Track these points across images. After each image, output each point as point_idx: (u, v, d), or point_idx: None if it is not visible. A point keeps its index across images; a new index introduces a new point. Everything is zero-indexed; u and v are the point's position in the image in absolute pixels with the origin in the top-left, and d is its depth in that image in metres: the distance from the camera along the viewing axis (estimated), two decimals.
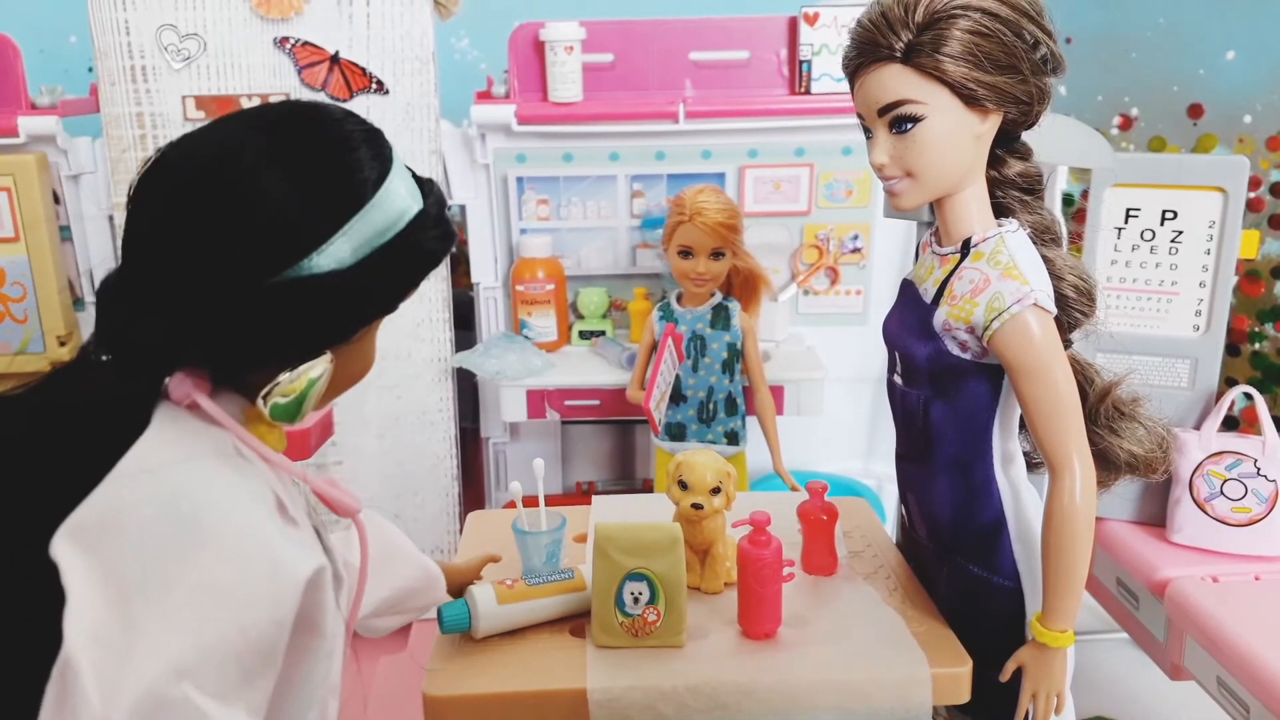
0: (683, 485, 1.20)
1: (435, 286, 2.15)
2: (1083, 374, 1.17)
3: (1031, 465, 1.21)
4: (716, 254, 1.92)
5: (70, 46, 2.78)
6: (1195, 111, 2.67)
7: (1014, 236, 1.11)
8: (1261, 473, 1.62)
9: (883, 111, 1.07)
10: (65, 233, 2.17)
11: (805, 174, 2.25)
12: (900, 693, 1.06)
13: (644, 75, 2.22)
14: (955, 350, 1.12)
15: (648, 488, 2.39)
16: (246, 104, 2.04)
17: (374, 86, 2.05)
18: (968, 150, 1.08)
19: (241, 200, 0.73)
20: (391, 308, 0.81)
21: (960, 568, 1.19)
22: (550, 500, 1.27)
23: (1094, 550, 1.10)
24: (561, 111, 2.17)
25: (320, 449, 2.15)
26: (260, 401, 0.77)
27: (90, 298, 2.21)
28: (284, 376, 0.77)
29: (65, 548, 0.69)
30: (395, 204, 0.79)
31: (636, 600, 1.09)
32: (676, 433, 2.01)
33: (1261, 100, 2.56)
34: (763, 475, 2.20)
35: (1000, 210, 1.15)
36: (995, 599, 1.16)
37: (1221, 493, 1.64)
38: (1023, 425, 1.17)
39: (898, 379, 1.21)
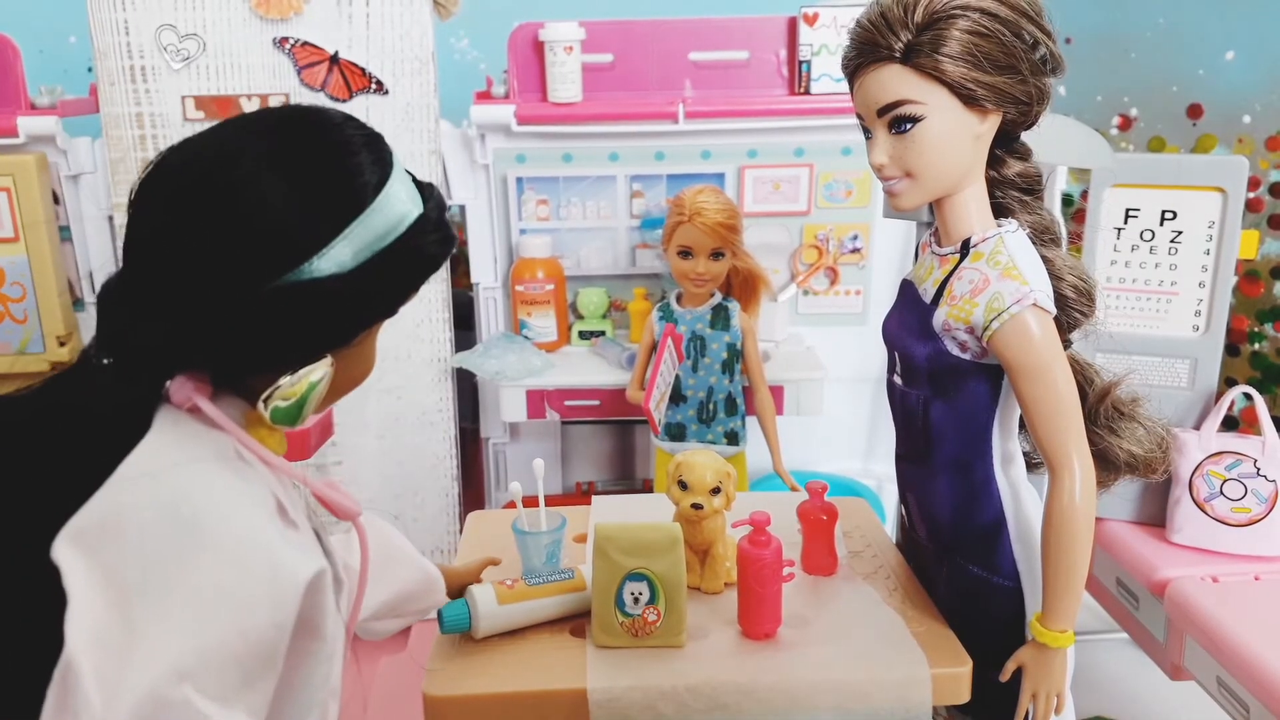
0: (683, 485, 1.20)
1: (435, 287, 2.15)
2: (1082, 374, 1.17)
3: (1031, 465, 1.21)
4: (716, 254, 1.92)
5: (70, 47, 2.78)
6: (1194, 112, 2.67)
7: (1013, 237, 1.11)
8: (1261, 473, 1.62)
9: (882, 112, 1.07)
10: (65, 233, 2.17)
11: (805, 174, 2.25)
12: (900, 693, 1.06)
13: (643, 75, 2.22)
14: (955, 350, 1.12)
15: (648, 488, 2.39)
16: (246, 104, 2.05)
17: (373, 87, 2.05)
18: (967, 150, 1.08)
19: (242, 205, 0.73)
20: (392, 311, 0.81)
21: (960, 568, 1.19)
22: (550, 500, 1.27)
23: (1094, 550, 1.10)
24: (561, 112, 2.17)
25: (320, 449, 2.15)
26: (261, 405, 0.77)
27: (90, 298, 2.21)
28: (284, 380, 0.77)
29: (66, 551, 0.69)
30: (396, 208, 0.79)
31: (636, 600, 1.09)
32: (676, 433, 2.01)
33: (1261, 100, 2.56)
34: (763, 475, 2.20)
35: (1000, 210, 1.15)
36: (995, 599, 1.16)
37: (1221, 493, 1.64)
38: (1022, 425, 1.17)
39: (897, 379, 1.21)
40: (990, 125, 1.08)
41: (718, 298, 1.98)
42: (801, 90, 2.19)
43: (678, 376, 1.97)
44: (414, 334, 2.17)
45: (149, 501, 0.71)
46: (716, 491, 1.20)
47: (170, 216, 0.74)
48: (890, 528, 2.15)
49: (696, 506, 1.19)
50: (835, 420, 2.35)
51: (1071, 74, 1.12)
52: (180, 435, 0.76)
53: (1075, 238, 1.75)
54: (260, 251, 0.73)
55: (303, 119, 0.79)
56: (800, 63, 2.17)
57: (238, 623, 0.70)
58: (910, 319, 1.18)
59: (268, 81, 2.04)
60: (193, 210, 0.74)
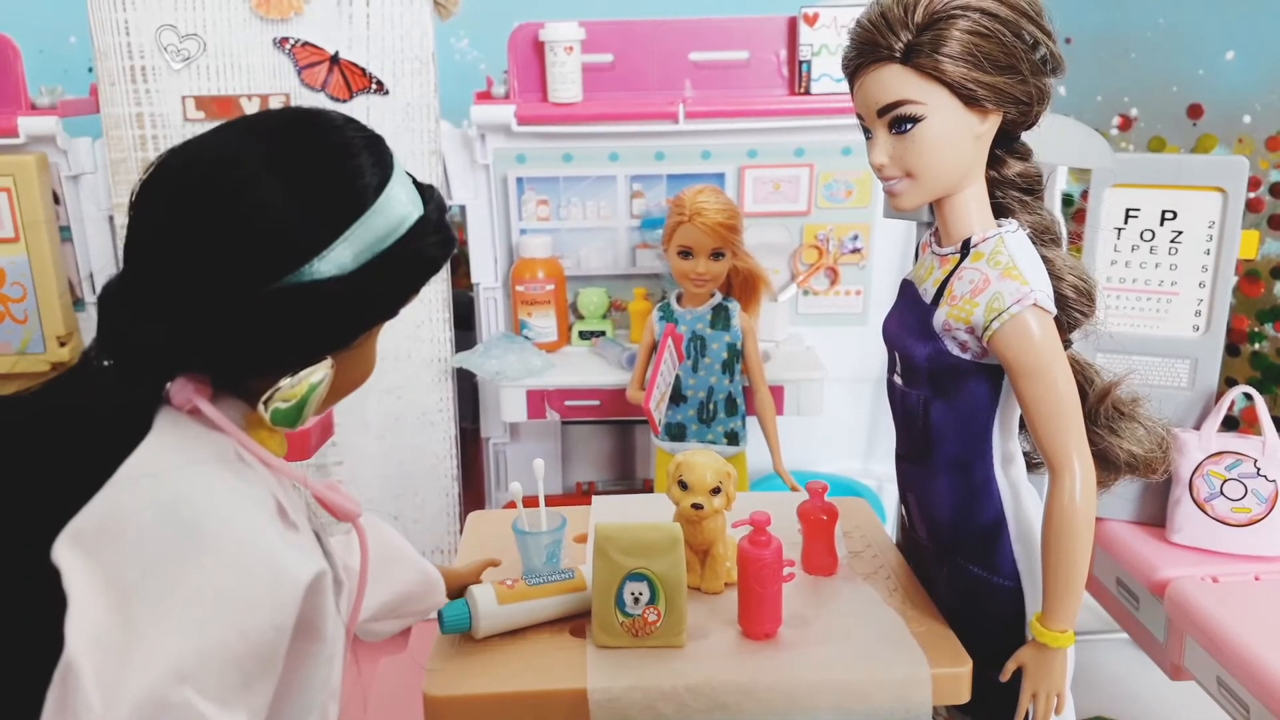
0: (683, 485, 1.20)
1: (435, 287, 2.15)
2: (1082, 374, 1.17)
3: (1031, 465, 1.21)
4: (716, 254, 1.92)
5: (70, 47, 2.78)
6: (1195, 112, 2.67)
7: (1013, 237, 1.11)
8: (1261, 473, 1.62)
9: (882, 112, 1.07)
10: (65, 233, 2.17)
11: (805, 174, 2.25)
12: (900, 693, 1.06)
13: (644, 76, 2.22)
14: (955, 350, 1.12)
15: (648, 488, 2.39)
16: (246, 104, 2.05)
17: (374, 87, 2.05)
18: (967, 150, 1.08)
19: (243, 207, 0.73)
20: (392, 313, 0.82)
21: (960, 568, 1.19)
22: (550, 500, 1.27)
23: (1094, 550, 1.10)
24: (561, 112, 2.17)
25: (320, 449, 2.15)
26: (261, 406, 0.77)
27: (91, 298, 2.21)
28: (285, 382, 0.77)
29: (66, 552, 0.69)
30: (396, 210, 0.79)
31: (637, 600, 1.09)
32: (676, 433, 2.01)
33: (1261, 100, 2.56)
34: (763, 475, 2.20)
35: (1000, 210, 1.15)
36: (995, 599, 1.16)
37: (1221, 493, 1.64)
38: (1022, 425, 1.17)
39: (898, 379, 1.21)
40: (990, 125, 1.08)
41: (718, 298, 1.98)
42: (801, 90, 2.19)
43: (678, 376, 1.97)
44: (414, 334, 2.17)
45: (149, 503, 0.71)
46: (716, 491, 1.20)
47: (171, 218, 0.74)
48: (890, 528, 2.15)
49: (697, 506, 1.19)
50: (835, 420, 2.35)
51: (1071, 74, 1.12)
52: (180, 437, 0.76)
53: (1075, 238, 1.75)
54: (261, 253, 0.74)
55: (303, 121, 0.79)
56: (800, 63, 2.17)
57: (238, 624, 0.70)
58: (910, 319, 1.18)
59: (268, 82, 2.04)
60: (193, 212, 0.74)
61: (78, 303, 2.21)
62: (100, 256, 2.19)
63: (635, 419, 2.32)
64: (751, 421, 2.04)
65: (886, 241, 2.30)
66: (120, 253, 0.78)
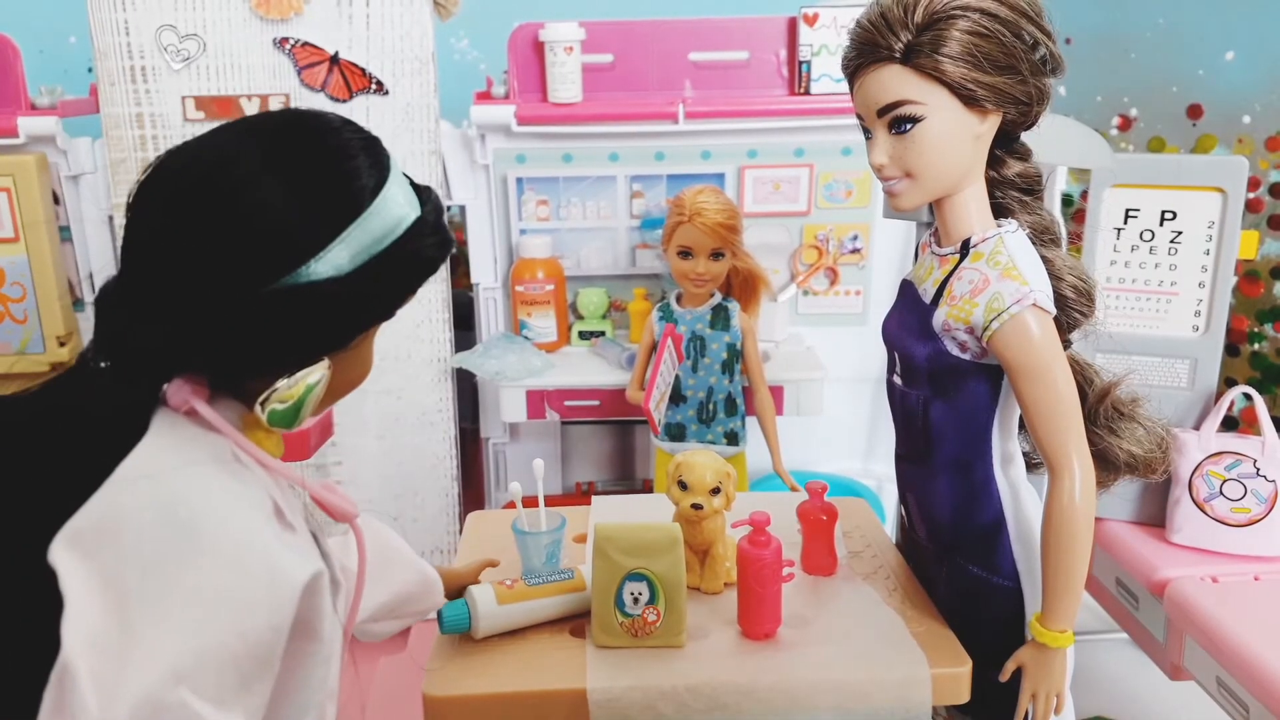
0: (682, 485, 1.20)
1: (435, 287, 2.15)
2: (1082, 374, 1.17)
3: (1031, 465, 1.21)
4: (716, 254, 1.92)
5: (70, 47, 2.78)
6: (1194, 112, 2.67)
7: (1013, 237, 1.11)
8: (1261, 473, 1.62)
9: (882, 112, 1.07)
10: (65, 233, 2.17)
11: (805, 174, 2.25)
12: (900, 693, 1.06)
13: (643, 76, 2.22)
14: (955, 350, 1.12)
15: (648, 488, 2.39)
16: (246, 104, 2.05)
17: (374, 87, 2.05)
18: (967, 151, 1.08)
19: (240, 208, 0.73)
20: (389, 314, 0.82)
21: (960, 568, 1.19)
22: (550, 500, 1.27)
23: (1094, 550, 1.11)
24: (561, 112, 2.17)
25: (320, 449, 2.15)
26: (258, 407, 0.77)
27: (90, 298, 2.21)
28: (281, 383, 0.77)
29: (63, 553, 0.69)
30: (393, 211, 0.79)
31: (636, 600, 1.09)
32: (676, 433, 2.01)
33: (1260, 100, 2.56)
34: (762, 475, 2.20)
35: (999, 211, 1.15)
36: (995, 599, 1.16)
37: (1221, 493, 1.64)
38: (1022, 425, 1.17)
39: (897, 379, 1.21)
40: (990, 125, 1.08)
41: (718, 298, 1.98)
42: (801, 90, 2.19)
43: (678, 377, 1.97)
44: (414, 334, 2.17)
45: (147, 504, 0.71)
46: (716, 492, 1.20)
47: (168, 219, 0.74)
48: (890, 528, 2.15)
49: (696, 506, 1.19)
50: (835, 420, 2.35)
51: (1071, 74, 1.12)
52: (178, 438, 0.76)
53: (1075, 238, 1.75)
54: (258, 254, 0.74)
55: (301, 122, 0.79)
56: (800, 63, 2.17)
57: (235, 625, 0.70)
58: (910, 319, 1.18)
59: (268, 82, 2.04)
60: (191, 213, 0.74)
61: (77, 303, 2.21)
62: (100, 257, 2.19)
63: (635, 419, 2.32)
64: (751, 422, 2.04)
65: (886, 242, 2.30)
66: (119, 258, 0.78)
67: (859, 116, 1.12)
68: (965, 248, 1.12)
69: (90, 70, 2.16)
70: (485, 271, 2.31)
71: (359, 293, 0.77)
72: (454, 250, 0.87)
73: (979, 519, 1.16)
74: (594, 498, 1.50)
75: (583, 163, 2.25)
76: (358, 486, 2.21)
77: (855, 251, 2.30)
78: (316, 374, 0.78)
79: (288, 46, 2.02)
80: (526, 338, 2.25)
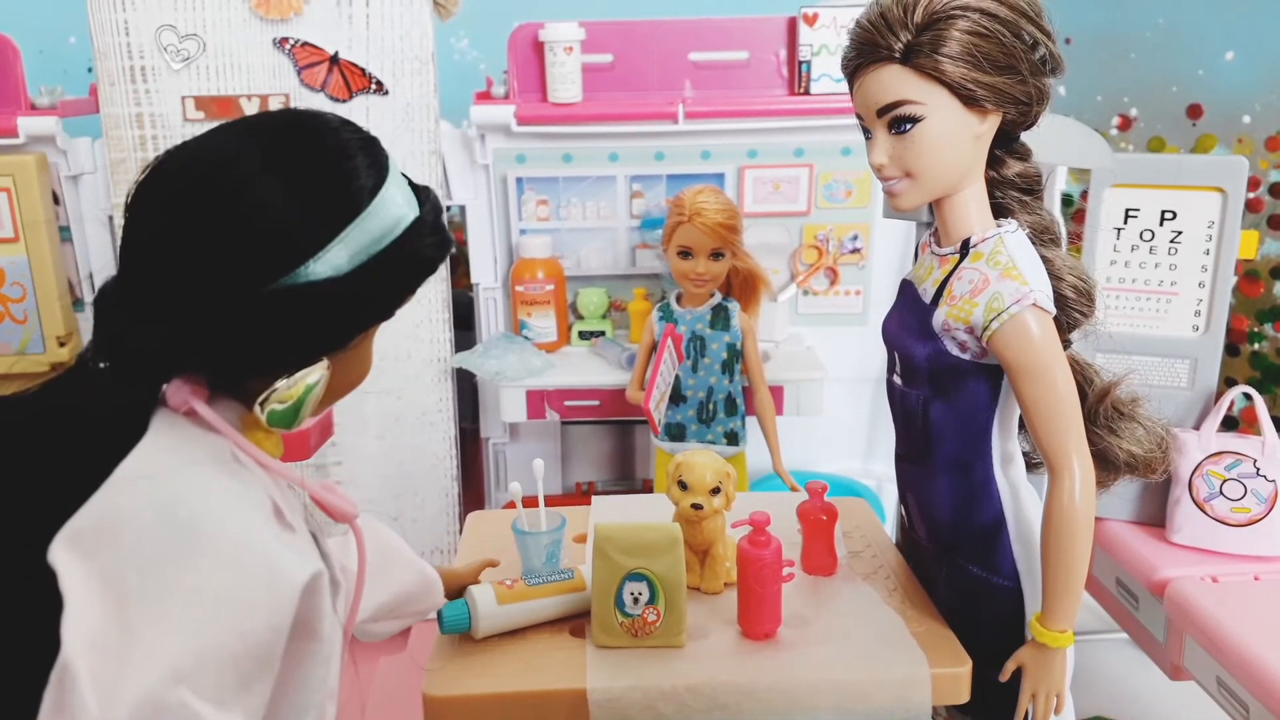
0: (682, 485, 1.20)
1: (435, 287, 2.15)
2: (1082, 374, 1.17)
3: (1031, 465, 1.21)
4: (716, 254, 1.92)
5: (70, 47, 2.78)
6: (1194, 112, 2.67)
7: (1013, 237, 1.11)
8: (1261, 473, 1.62)
9: (882, 112, 1.07)
10: (65, 233, 2.17)
11: (804, 174, 2.25)
12: (900, 693, 1.06)
13: (643, 76, 2.22)
14: (954, 350, 1.12)
15: (647, 488, 2.39)
16: (246, 104, 2.05)
17: (373, 87, 2.05)
18: (967, 151, 1.08)
19: (239, 208, 0.73)
20: (388, 314, 0.82)
21: (960, 568, 1.19)
22: (550, 500, 1.27)
23: (1094, 550, 1.11)
24: (561, 112, 2.17)
25: (320, 449, 2.15)
26: (257, 408, 0.77)
27: (90, 298, 2.21)
28: (281, 383, 0.77)
29: (63, 554, 0.69)
30: (392, 211, 0.79)
31: (636, 600, 1.09)
32: (676, 433, 2.01)
33: (1260, 100, 2.56)
34: (762, 475, 2.20)
35: (999, 211, 1.15)
36: (995, 599, 1.16)
37: (1221, 493, 1.64)
38: (1022, 425, 1.17)
39: (897, 379, 1.21)
40: (990, 125, 1.08)
41: (718, 298, 1.98)
42: (801, 90, 2.19)
43: (677, 377, 1.97)
44: (414, 334, 2.17)
45: (146, 504, 0.71)
46: (716, 491, 1.20)
47: (167, 219, 0.74)
48: (890, 528, 2.15)
49: (696, 506, 1.19)
50: (835, 420, 2.35)
51: (1071, 74, 1.12)
52: (177, 438, 0.76)
53: (1075, 238, 1.75)
54: (257, 254, 0.74)
55: (299, 123, 0.79)
56: (800, 63, 2.17)
57: (235, 625, 0.70)
58: (910, 319, 1.18)
59: (268, 82, 2.04)
60: (190, 213, 0.74)
61: (77, 303, 2.21)
62: (100, 257, 2.19)
63: (635, 419, 2.32)
64: (751, 422, 2.04)
65: (886, 242, 2.30)
66: (118, 258, 0.78)
67: (859, 116, 1.12)
68: (965, 248, 1.12)
69: (90, 70, 2.16)
70: (485, 271, 2.31)
71: (358, 293, 0.77)
72: (453, 250, 0.87)
73: (979, 519, 1.16)
74: (594, 498, 1.50)
75: (583, 163, 2.25)
76: (358, 486, 2.21)
77: (855, 251, 2.30)
78: (316, 374, 0.78)
79: (287, 46, 2.02)
80: (526, 338, 2.25)
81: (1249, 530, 1.62)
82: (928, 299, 1.15)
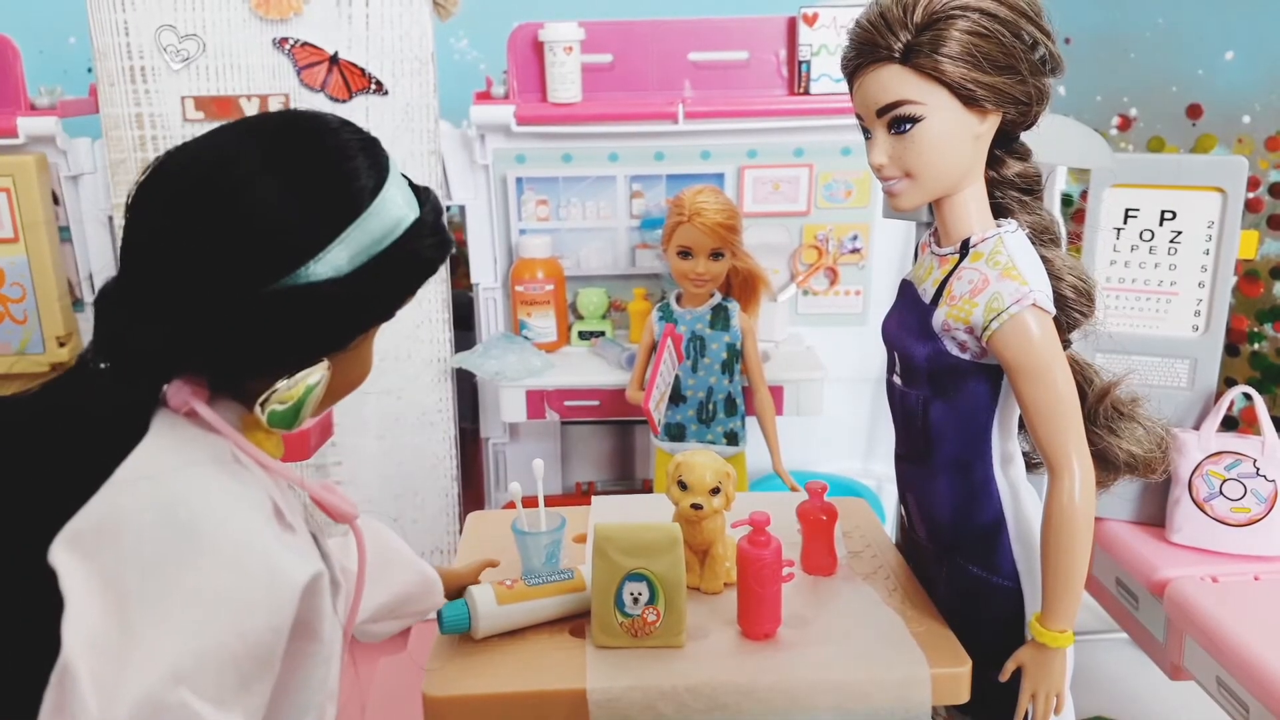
0: (682, 485, 1.20)
1: (435, 287, 2.15)
2: (1082, 374, 1.17)
3: (1031, 465, 1.21)
4: (716, 254, 1.92)
5: (69, 47, 2.78)
6: (1194, 112, 2.67)
7: (1013, 237, 1.11)
8: (1261, 473, 1.62)
9: (881, 112, 1.07)
10: (65, 234, 2.17)
11: (804, 174, 2.25)
12: (900, 693, 1.06)
13: (643, 76, 2.22)
14: (954, 350, 1.12)
15: (647, 488, 2.39)
16: (246, 104, 2.05)
17: (373, 87, 2.05)
18: (966, 151, 1.08)
19: (239, 209, 0.73)
20: (388, 315, 0.82)
21: (960, 568, 1.19)
22: (550, 501, 1.27)
23: (1093, 550, 1.11)
24: (561, 112, 2.17)
25: (320, 450, 2.15)
26: (258, 408, 0.77)
27: (90, 299, 2.21)
28: (281, 384, 0.77)
29: (63, 554, 0.69)
30: (392, 212, 0.79)
31: (636, 600, 1.09)
32: (676, 433, 2.01)
33: (1260, 100, 2.56)
34: (762, 475, 2.20)
35: (999, 211, 1.15)
36: (995, 599, 1.16)
37: (1221, 493, 1.64)
38: (1022, 425, 1.17)
39: (897, 379, 1.21)
40: (990, 125, 1.08)
41: (717, 298, 1.98)
42: (801, 90, 2.19)
43: (677, 377, 1.97)
44: (414, 334, 2.17)
45: (147, 505, 0.71)
46: (716, 492, 1.20)
47: (168, 220, 0.74)
48: (890, 528, 2.15)
49: (696, 506, 1.19)
50: (835, 420, 2.35)
51: (1071, 74, 1.12)
52: (177, 439, 0.76)
53: (1075, 238, 1.75)
54: (257, 255, 0.74)
55: (300, 123, 0.79)
56: (800, 63, 2.17)
57: (235, 625, 0.70)
58: (910, 319, 1.18)
59: (267, 82, 2.04)
60: (190, 213, 0.74)
61: (77, 303, 2.21)
62: (100, 257, 2.19)
63: (635, 419, 2.32)
64: (751, 422, 2.04)
65: (886, 242, 2.30)
66: (118, 259, 0.78)
67: (858, 116, 1.12)
68: (965, 248, 1.12)
69: (90, 70, 2.17)
70: (485, 271, 2.31)
71: (358, 293, 0.77)
72: (453, 251, 0.87)
73: (979, 519, 1.16)
74: (594, 498, 1.50)
75: (582, 163, 2.25)
76: (358, 487, 2.21)
77: (855, 251, 2.30)
78: (316, 375, 0.78)
79: (287, 46, 2.02)
80: (526, 338, 2.25)
81: (1249, 530, 1.62)
82: (927, 299, 1.15)
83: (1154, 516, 1.74)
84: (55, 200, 2.14)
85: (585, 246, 2.31)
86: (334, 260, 0.76)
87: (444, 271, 2.15)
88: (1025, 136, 1.15)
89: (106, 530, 0.70)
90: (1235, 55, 2.58)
